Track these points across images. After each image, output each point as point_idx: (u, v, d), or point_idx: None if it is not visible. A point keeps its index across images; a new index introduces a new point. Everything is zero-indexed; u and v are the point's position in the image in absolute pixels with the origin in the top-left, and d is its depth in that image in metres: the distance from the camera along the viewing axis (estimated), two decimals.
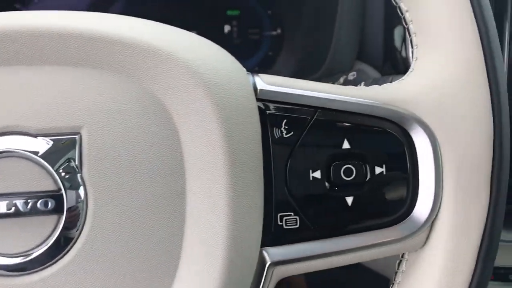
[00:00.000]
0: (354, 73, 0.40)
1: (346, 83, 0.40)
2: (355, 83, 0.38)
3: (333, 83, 0.41)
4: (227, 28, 0.59)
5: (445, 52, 0.23)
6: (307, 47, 0.57)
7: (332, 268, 0.24)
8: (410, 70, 0.25)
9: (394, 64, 0.50)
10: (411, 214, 0.23)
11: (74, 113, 0.18)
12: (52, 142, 0.18)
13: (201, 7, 0.58)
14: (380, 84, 0.30)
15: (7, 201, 0.18)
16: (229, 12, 0.59)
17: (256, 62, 0.61)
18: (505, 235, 0.48)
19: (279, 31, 0.60)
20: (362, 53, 0.52)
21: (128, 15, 0.22)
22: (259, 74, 0.24)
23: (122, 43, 0.19)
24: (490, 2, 0.24)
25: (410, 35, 0.25)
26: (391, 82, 0.32)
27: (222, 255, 0.19)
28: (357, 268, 0.59)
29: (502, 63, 0.22)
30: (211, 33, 0.59)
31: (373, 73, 0.48)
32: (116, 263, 0.19)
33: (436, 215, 0.23)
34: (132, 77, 0.19)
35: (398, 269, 0.25)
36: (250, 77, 0.23)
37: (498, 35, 0.24)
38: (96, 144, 0.19)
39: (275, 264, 0.22)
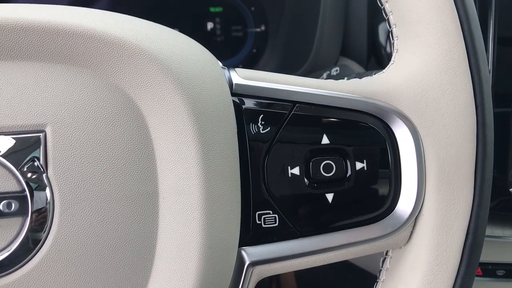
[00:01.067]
0: (337, 68, 0.40)
1: (329, 78, 0.39)
2: (338, 78, 0.38)
3: (317, 77, 0.41)
4: (210, 25, 0.58)
5: (426, 43, 0.22)
6: (291, 43, 0.56)
7: (320, 266, 0.23)
8: (391, 62, 0.24)
9: (379, 60, 0.50)
10: (394, 210, 0.23)
11: (38, 110, 0.18)
12: (14, 141, 0.17)
13: (184, 4, 0.57)
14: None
15: None
16: (211, 9, 0.58)
17: (240, 60, 0.60)
18: (493, 231, 0.49)
19: (263, 27, 0.60)
20: (346, 49, 0.52)
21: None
22: (236, 69, 0.23)
23: (85, 35, 0.18)
24: None
25: (390, 27, 0.24)
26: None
27: (197, 256, 0.19)
28: (345, 266, 0.59)
29: (484, 53, 0.22)
30: (193, 30, 0.59)
31: (357, 68, 0.48)
32: (86, 265, 0.18)
33: (419, 211, 0.22)
34: (98, 71, 0.18)
35: (382, 267, 0.24)
36: (225, 71, 0.22)
37: (482, 30, 0.24)
38: (61, 142, 0.18)
39: (254, 264, 0.21)
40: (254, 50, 0.60)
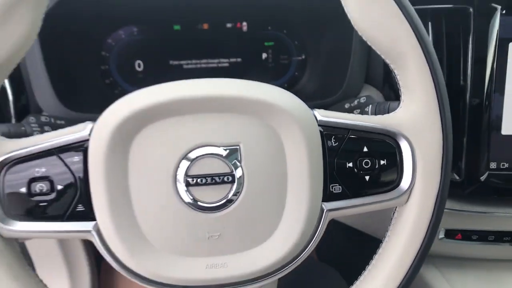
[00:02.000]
0: (364, 97, 0.58)
1: (359, 104, 0.58)
2: (365, 105, 0.57)
3: (350, 104, 0.59)
4: (264, 55, 0.75)
5: (418, 98, 0.40)
6: (326, 71, 0.72)
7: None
8: (400, 106, 0.43)
9: (392, 86, 0.67)
10: (399, 185, 0.41)
11: (236, 136, 0.37)
12: (228, 151, 0.37)
13: (247, 40, 0.73)
14: (381, 108, 0.49)
15: (210, 178, 0.37)
16: (266, 43, 0.75)
17: (285, 80, 0.77)
18: (474, 207, 0.66)
19: (303, 56, 0.76)
20: (368, 77, 0.69)
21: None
22: (315, 109, 0.42)
23: (258, 102, 0.37)
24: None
25: (399, 86, 0.43)
26: (388, 107, 0.51)
27: (306, 206, 0.38)
28: (357, 232, 0.77)
29: (448, 105, 0.41)
30: (253, 59, 0.76)
31: (377, 96, 0.66)
32: (257, 210, 0.38)
33: (412, 187, 0.41)
34: (262, 118, 0.37)
35: (392, 216, 0.44)
36: (311, 111, 0.42)
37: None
38: (247, 151, 0.37)
39: (328, 210, 0.40)
40: (296, 73, 0.77)
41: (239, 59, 0.76)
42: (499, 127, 0.62)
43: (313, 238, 0.40)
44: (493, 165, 0.62)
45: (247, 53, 0.75)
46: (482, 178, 0.62)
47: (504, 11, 0.59)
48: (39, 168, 0.38)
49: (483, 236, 0.66)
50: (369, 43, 0.40)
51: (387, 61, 0.41)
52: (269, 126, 0.38)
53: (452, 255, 0.70)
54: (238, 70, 0.76)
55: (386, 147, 0.40)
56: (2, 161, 0.37)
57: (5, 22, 0.35)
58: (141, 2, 0.70)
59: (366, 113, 0.54)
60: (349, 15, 0.40)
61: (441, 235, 0.67)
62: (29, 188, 0.37)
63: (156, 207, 0.36)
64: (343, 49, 0.67)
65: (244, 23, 0.74)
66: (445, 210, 0.65)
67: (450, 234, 0.67)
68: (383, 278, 0.41)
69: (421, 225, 0.41)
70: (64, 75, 0.64)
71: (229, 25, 0.74)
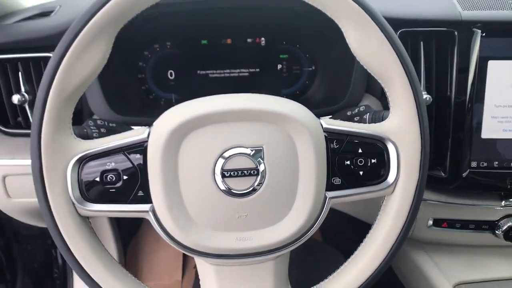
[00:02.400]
0: (364, 106, 0.69)
1: (358, 112, 0.69)
2: (363, 113, 0.67)
3: (351, 111, 0.70)
4: (279, 66, 0.85)
5: (402, 111, 0.50)
6: (333, 81, 0.82)
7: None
8: (388, 116, 0.54)
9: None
10: (387, 179, 0.49)
11: (260, 139, 0.48)
12: (254, 151, 0.48)
13: (264, 53, 0.83)
14: (376, 116, 0.60)
15: (240, 171, 0.48)
16: (281, 56, 0.84)
17: (297, 88, 0.87)
18: (454, 200, 0.77)
19: (313, 67, 0.86)
20: (368, 88, 0.78)
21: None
22: (322, 118, 0.53)
23: (275, 114, 0.47)
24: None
25: (388, 101, 0.54)
26: (382, 116, 0.61)
27: (313, 193, 0.49)
28: (352, 219, 0.88)
29: (426, 116, 0.51)
30: (269, 69, 0.87)
31: (376, 104, 0.76)
32: (275, 197, 0.48)
33: (397, 180, 0.51)
34: (279, 125, 0.47)
35: (381, 203, 0.55)
36: (318, 119, 0.53)
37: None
38: (268, 151, 0.48)
39: (330, 198, 0.50)
40: (307, 82, 0.87)
41: (257, 70, 0.87)
42: (479, 132, 0.72)
43: (318, 219, 0.51)
44: (474, 164, 0.73)
45: (264, 64, 0.86)
46: (464, 175, 0.72)
47: (484, 34, 0.70)
48: (109, 163, 0.49)
49: (465, 225, 0.76)
50: (365, 67, 0.51)
51: (379, 81, 0.52)
52: (285, 132, 0.48)
53: (440, 242, 0.81)
54: (257, 79, 0.87)
55: (376, 149, 0.50)
56: (81, 157, 0.49)
57: (83, 54, 0.45)
58: (174, 20, 0.81)
59: (364, 120, 0.65)
60: (349, 45, 0.51)
61: (430, 223, 0.78)
62: (101, 178, 0.49)
63: (199, 193, 0.48)
64: (347, 63, 0.76)
65: (263, 39, 0.85)
66: (433, 202, 0.77)
67: (437, 222, 0.78)
68: (372, 253, 0.52)
69: (403, 211, 0.51)
70: (111, 84, 0.76)
71: (249, 40, 0.85)
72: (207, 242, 0.48)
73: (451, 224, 0.76)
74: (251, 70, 0.86)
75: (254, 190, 0.48)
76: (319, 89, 0.87)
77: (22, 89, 0.74)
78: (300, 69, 0.87)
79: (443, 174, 0.73)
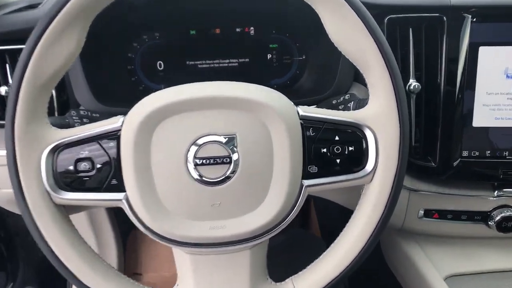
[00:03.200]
0: (349, 95, 0.68)
1: (344, 100, 0.68)
2: (348, 101, 0.66)
3: (337, 100, 0.69)
4: (269, 56, 0.84)
5: (380, 98, 0.49)
6: (322, 70, 0.81)
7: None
8: (367, 104, 0.53)
9: None
10: (365, 167, 0.49)
11: (233, 127, 0.47)
12: (227, 138, 0.47)
13: (254, 43, 0.82)
14: (361, 104, 0.59)
15: (213, 159, 0.47)
16: (271, 45, 0.83)
17: (288, 78, 0.86)
18: (443, 189, 0.75)
19: (304, 57, 0.85)
20: (357, 76, 0.77)
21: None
22: (300, 106, 0.52)
23: (251, 102, 0.47)
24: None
25: (367, 87, 0.53)
26: (366, 103, 0.60)
27: (288, 181, 0.48)
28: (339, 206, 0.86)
29: (405, 102, 0.50)
30: (259, 59, 0.86)
31: (363, 93, 0.75)
32: (249, 185, 0.47)
33: (376, 168, 0.50)
34: (254, 113, 0.47)
35: (361, 191, 0.53)
36: (295, 107, 0.52)
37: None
38: (241, 139, 0.47)
39: (307, 186, 0.50)
40: (297, 72, 0.86)
41: (247, 59, 0.86)
42: (470, 120, 0.70)
43: (294, 207, 0.50)
44: (465, 153, 0.71)
45: (254, 54, 0.85)
46: (455, 164, 0.71)
47: (474, 19, 0.68)
48: (83, 151, 0.49)
49: (457, 215, 0.74)
50: (342, 53, 0.50)
51: (357, 67, 0.51)
52: (259, 119, 0.47)
53: (431, 233, 0.79)
54: (246, 69, 0.86)
55: (354, 136, 0.49)
56: (55, 146, 0.49)
57: (55, 43, 0.45)
58: (162, 10, 0.80)
59: (349, 108, 0.64)
60: (327, 30, 0.50)
61: (421, 214, 0.77)
62: (75, 166, 0.49)
63: (172, 181, 0.47)
64: (335, 52, 0.75)
65: (252, 28, 0.84)
66: (423, 192, 0.75)
67: (428, 213, 0.76)
68: (349, 244, 0.51)
69: (382, 199, 0.50)
70: (97, 75, 0.76)
71: (238, 29, 0.84)
72: (181, 231, 0.48)
73: (443, 215, 0.75)
74: (240, 60, 0.85)
75: (228, 178, 0.47)
76: (309, 79, 0.86)
77: (10, 80, 0.74)
78: (290, 59, 0.86)
79: (433, 164, 0.72)
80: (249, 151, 0.47)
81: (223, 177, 0.47)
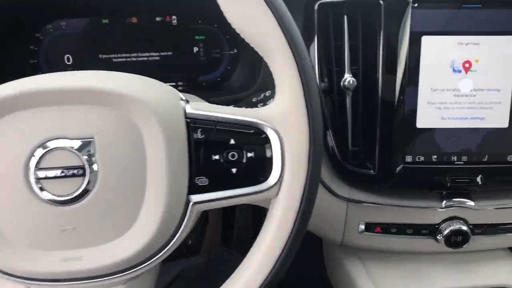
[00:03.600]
0: (270, 91, 0.58)
1: (264, 97, 0.58)
2: (268, 98, 0.57)
3: (257, 97, 0.59)
4: (195, 49, 0.76)
5: (286, 93, 0.40)
6: (254, 65, 0.73)
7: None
8: (272, 101, 0.43)
9: None
10: (269, 178, 0.40)
11: (91, 128, 0.37)
12: (81, 142, 0.37)
13: (177, 34, 0.74)
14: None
15: (60, 170, 0.37)
16: (196, 37, 0.75)
17: (219, 73, 0.77)
18: (392, 201, 0.65)
19: (235, 50, 0.76)
20: None
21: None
22: (191, 102, 0.42)
23: (113, 93, 0.37)
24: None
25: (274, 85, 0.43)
26: None
27: (165, 199, 0.38)
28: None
29: (317, 100, 0.40)
30: (184, 52, 0.76)
31: None
32: (113, 203, 0.38)
33: (282, 179, 0.41)
34: (120, 110, 0.37)
35: (268, 213, 0.43)
36: (183, 103, 0.41)
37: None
38: (101, 143, 0.37)
39: (194, 203, 0.40)
40: (229, 67, 0.77)
41: (169, 53, 0.76)
42: (413, 120, 0.62)
43: (178, 231, 0.40)
44: (408, 158, 0.62)
45: (177, 46, 0.75)
46: (397, 170, 0.62)
47: (415, 4, 0.59)
48: None
49: (401, 229, 0.66)
50: (241, 36, 0.40)
51: (259, 53, 0.41)
52: (126, 118, 0.38)
53: (374, 249, 0.70)
54: (170, 63, 0.76)
55: (254, 139, 0.40)
56: None
57: None
58: None
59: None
60: (221, 7, 0.40)
61: (361, 228, 0.67)
62: None
63: (8, 200, 0.37)
64: None
65: (174, 17, 0.74)
66: (363, 204, 0.66)
67: (370, 227, 0.67)
68: (252, 271, 0.41)
69: (288, 217, 0.40)
70: None
71: (158, 18, 0.74)
72: (25, 264, 0.37)
73: (386, 229, 0.67)
74: (162, 53, 0.75)
75: (82, 195, 0.37)
76: (242, 75, 0.77)
77: None
78: (220, 53, 0.77)
79: (371, 171, 0.62)
80: (113, 159, 0.37)
81: (76, 194, 0.37)
